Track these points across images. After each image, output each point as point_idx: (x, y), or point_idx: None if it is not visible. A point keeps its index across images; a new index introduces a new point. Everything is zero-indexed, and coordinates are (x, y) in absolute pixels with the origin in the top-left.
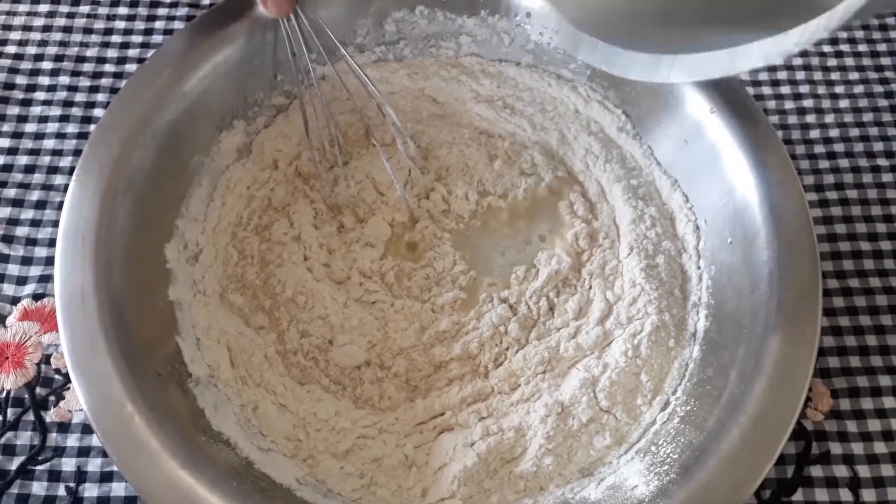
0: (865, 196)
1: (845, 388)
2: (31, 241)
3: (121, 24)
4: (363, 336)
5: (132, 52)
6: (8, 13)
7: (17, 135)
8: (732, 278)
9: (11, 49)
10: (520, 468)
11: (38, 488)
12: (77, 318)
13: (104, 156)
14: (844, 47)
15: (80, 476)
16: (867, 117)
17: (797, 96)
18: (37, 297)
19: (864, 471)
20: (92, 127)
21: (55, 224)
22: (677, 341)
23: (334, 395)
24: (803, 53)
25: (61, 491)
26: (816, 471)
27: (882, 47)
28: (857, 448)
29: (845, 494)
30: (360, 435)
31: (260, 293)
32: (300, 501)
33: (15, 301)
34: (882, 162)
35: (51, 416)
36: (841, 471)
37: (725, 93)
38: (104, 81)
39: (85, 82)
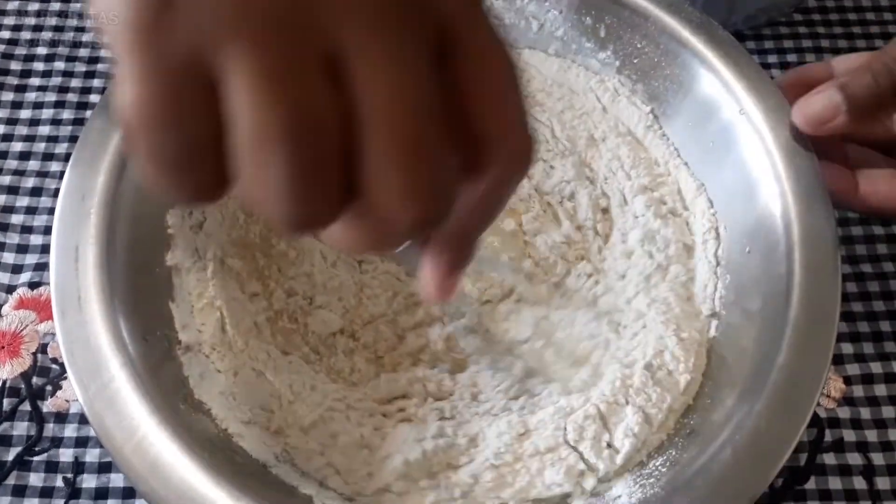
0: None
1: (858, 374)
2: (27, 229)
3: None
4: (340, 301)
5: None
6: None
7: (11, 121)
8: (746, 290)
9: (6, 34)
10: (457, 476)
11: (36, 479)
12: (68, 272)
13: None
14: (856, 29)
15: (78, 467)
16: None
17: None
18: (33, 285)
19: (878, 458)
20: (88, 113)
21: (51, 212)
22: (674, 375)
23: (313, 365)
24: (814, 35)
25: (59, 482)
26: (829, 458)
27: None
28: (871, 435)
29: (859, 482)
30: (328, 408)
31: (258, 252)
32: (273, 478)
33: (10, 289)
34: None
35: (48, 406)
36: (854, 458)
37: (756, 93)
38: (100, 67)
39: (81, 67)
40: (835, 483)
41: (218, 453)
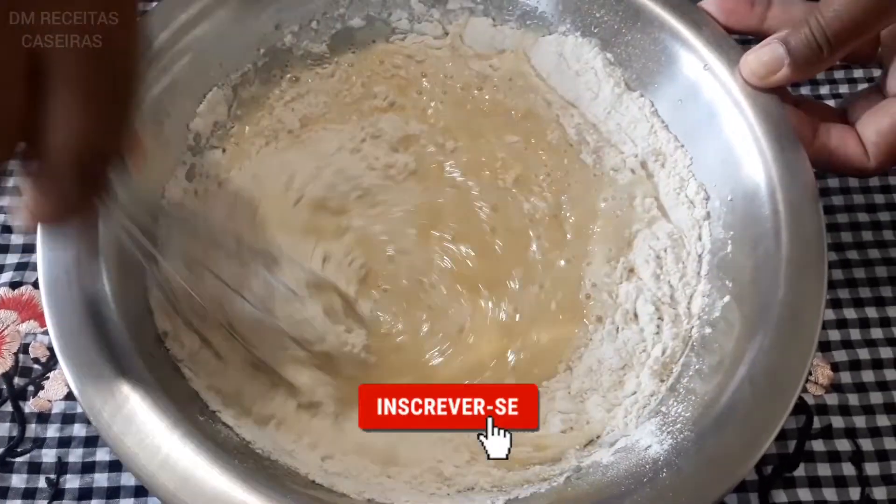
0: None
1: (846, 360)
2: (7, 229)
3: None
4: None
5: None
6: None
7: None
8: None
9: None
10: None
11: (18, 481)
12: (63, 303)
13: None
14: None
15: (61, 467)
16: (863, 87)
17: None
18: (14, 285)
19: (866, 444)
20: None
21: None
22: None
23: None
24: None
25: (42, 483)
26: (818, 445)
27: None
28: (860, 421)
29: (848, 469)
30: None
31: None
32: (303, 480)
33: None
34: None
35: (30, 406)
36: (843, 444)
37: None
38: None
39: None
40: (824, 469)
41: (247, 460)
